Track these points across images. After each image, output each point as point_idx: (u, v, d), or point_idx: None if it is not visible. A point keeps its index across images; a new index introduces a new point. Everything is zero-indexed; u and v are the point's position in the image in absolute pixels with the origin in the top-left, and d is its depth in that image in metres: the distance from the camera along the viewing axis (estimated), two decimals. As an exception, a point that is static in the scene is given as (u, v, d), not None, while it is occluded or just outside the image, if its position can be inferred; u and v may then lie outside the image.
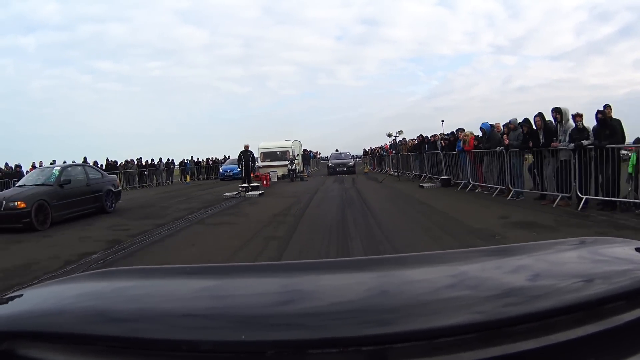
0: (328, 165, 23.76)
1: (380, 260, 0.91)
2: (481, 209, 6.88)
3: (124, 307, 0.61)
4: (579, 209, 6.22)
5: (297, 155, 20.91)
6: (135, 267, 1.15)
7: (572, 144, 6.39)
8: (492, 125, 8.80)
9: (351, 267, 0.81)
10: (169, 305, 0.61)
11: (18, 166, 16.96)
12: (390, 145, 18.79)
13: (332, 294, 0.63)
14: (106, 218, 8.26)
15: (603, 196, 6.19)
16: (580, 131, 6.45)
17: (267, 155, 19.56)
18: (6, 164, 17.41)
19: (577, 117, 6.52)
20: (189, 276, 0.79)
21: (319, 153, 37.29)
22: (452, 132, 11.21)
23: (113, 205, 9.36)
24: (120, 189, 10.38)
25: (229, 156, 24.70)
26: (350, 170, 21.50)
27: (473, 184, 9.55)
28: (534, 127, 7.23)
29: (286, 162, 18.22)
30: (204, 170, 25.76)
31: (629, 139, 6.47)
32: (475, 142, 9.29)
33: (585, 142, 6.29)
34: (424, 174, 13.40)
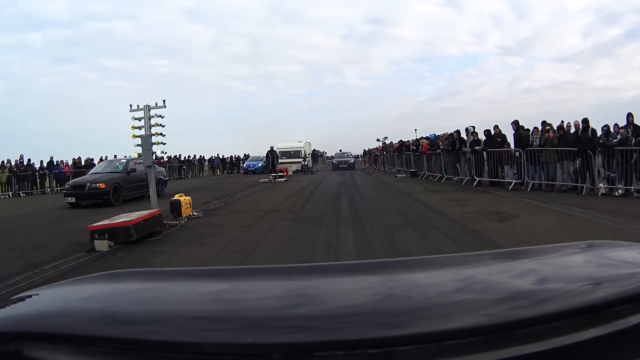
0: (333, 162, 28.82)
1: (386, 263, 0.91)
2: (419, 185, 11.75)
3: (131, 309, 0.61)
4: (474, 185, 11.00)
5: (308, 154, 25.91)
6: (141, 270, 1.16)
7: (470, 149, 11.22)
8: (436, 136, 13.67)
9: (357, 270, 0.81)
10: (175, 308, 0.62)
11: (90, 159, 22.04)
12: (382, 147, 23.66)
13: (338, 297, 0.63)
14: (192, 193, 13.14)
15: (490, 178, 10.98)
16: (475, 141, 11.27)
17: (284, 154, 24.02)
18: (79, 158, 22.49)
19: (474, 133, 11.36)
20: (195, 279, 0.79)
21: (325, 152, 42.17)
22: (417, 139, 16.09)
23: (163, 190, 11.40)
24: (167, 178, 14.08)
25: (248, 154, 29.87)
26: (351, 166, 26.48)
27: (427, 174, 14.40)
28: (454, 139, 12.07)
29: (300, 159, 23.35)
30: (228, 166, 30.84)
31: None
32: (428, 147, 14.14)
33: (477, 147, 11.11)
34: (402, 168, 18.24)
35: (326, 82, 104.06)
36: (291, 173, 21.50)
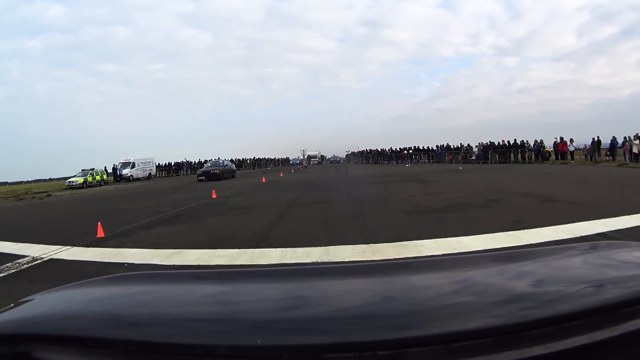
0: (330, 160, 60.02)
1: (392, 264, 0.91)
2: (355, 165, 42.35)
3: (138, 312, 0.61)
4: (373, 163, 41.72)
5: (320, 157, 57.53)
6: (147, 272, 1.22)
7: (372, 153, 42.06)
8: (363, 150, 44.75)
9: (363, 272, 0.80)
10: (182, 310, 0.62)
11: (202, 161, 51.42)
12: (352, 153, 54.52)
13: (345, 299, 0.63)
14: (258, 174, 43.71)
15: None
16: (373, 152, 42.11)
17: (311, 157, 55.50)
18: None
19: (370, 150, 42.29)
20: (200, 281, 0.80)
21: (325, 156, 73.31)
22: (360, 150, 47.21)
23: (234, 175, 25.85)
24: (236, 169, 30.58)
25: (287, 157, 60.78)
26: (339, 162, 56.81)
27: (365, 162, 45.21)
28: (368, 151, 43.04)
29: (318, 159, 54.55)
30: (280, 162, 61.37)
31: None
32: (360, 153, 45.00)
33: (374, 153, 41.88)
34: (357, 161, 48.91)
35: (322, 85, 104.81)
36: (315, 163, 52.79)
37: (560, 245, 0.90)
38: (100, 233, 6.04)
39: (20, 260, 4.74)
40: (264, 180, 19.57)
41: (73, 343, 0.52)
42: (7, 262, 4.65)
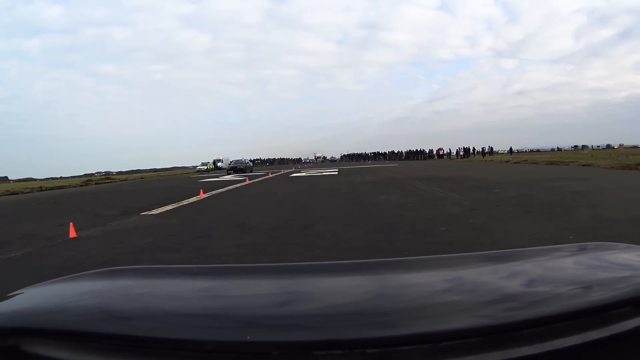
0: (329, 160, 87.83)
1: (384, 263, 0.91)
2: (347, 164, 69.92)
3: (129, 306, 0.62)
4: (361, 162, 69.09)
5: (323, 157, 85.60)
6: (138, 267, 1.18)
7: (361, 155, 69.56)
8: (351, 153, 72.40)
9: (354, 270, 0.80)
10: (173, 305, 0.62)
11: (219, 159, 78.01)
12: (346, 155, 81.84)
13: (335, 296, 0.63)
14: (290, 167, 70.89)
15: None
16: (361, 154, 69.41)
17: (317, 157, 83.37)
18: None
19: (357, 153, 69.71)
20: (192, 277, 0.80)
21: (326, 156, 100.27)
22: (351, 153, 75.02)
23: (252, 170, 34.65)
24: (253, 166, 41.82)
25: (299, 157, 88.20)
26: (336, 161, 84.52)
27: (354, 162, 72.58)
28: (355, 153, 70.51)
29: (322, 159, 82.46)
30: (294, 161, 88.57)
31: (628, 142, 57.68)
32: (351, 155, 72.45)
33: (361, 155, 69.18)
34: (350, 161, 76.25)
35: (320, 87, 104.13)
36: (320, 161, 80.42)
37: (551, 246, 0.93)
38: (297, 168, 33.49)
39: (294, 168, 31.67)
40: (305, 166, 47.01)
41: (63, 337, 0.52)
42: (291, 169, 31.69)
